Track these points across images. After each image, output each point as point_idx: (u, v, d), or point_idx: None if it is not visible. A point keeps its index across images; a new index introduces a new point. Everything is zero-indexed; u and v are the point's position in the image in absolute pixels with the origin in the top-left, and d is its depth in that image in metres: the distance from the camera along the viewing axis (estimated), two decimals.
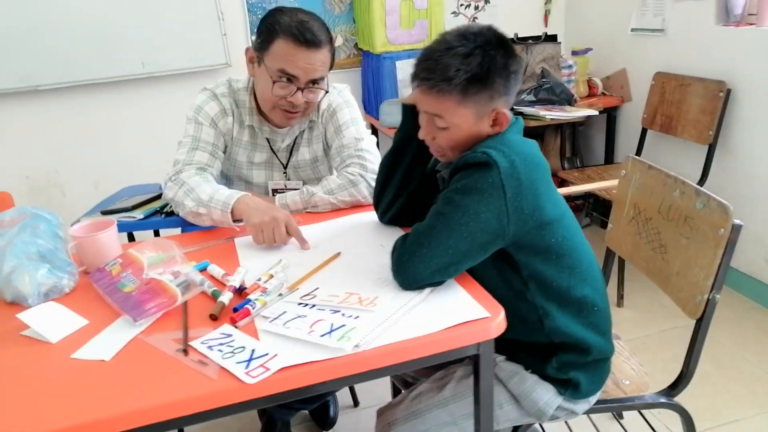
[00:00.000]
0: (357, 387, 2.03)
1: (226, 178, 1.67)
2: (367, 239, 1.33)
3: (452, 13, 3.34)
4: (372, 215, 1.43)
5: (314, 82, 1.46)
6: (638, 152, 2.91)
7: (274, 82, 1.43)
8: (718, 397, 1.95)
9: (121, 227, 1.45)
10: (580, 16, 3.44)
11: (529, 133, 1.17)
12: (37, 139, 2.92)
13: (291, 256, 1.26)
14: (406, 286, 1.07)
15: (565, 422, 1.53)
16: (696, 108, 2.57)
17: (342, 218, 1.47)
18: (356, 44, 3.26)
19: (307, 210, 1.51)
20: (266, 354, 0.91)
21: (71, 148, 2.98)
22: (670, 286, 1.31)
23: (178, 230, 1.60)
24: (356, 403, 2.03)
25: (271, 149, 1.61)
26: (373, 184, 1.44)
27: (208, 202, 1.39)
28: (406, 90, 2.98)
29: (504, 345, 1.12)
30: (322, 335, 0.94)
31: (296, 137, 1.61)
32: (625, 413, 1.82)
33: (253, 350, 0.93)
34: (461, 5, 3.36)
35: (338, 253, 1.25)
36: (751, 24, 2.40)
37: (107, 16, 2.78)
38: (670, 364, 2.03)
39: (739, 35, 2.40)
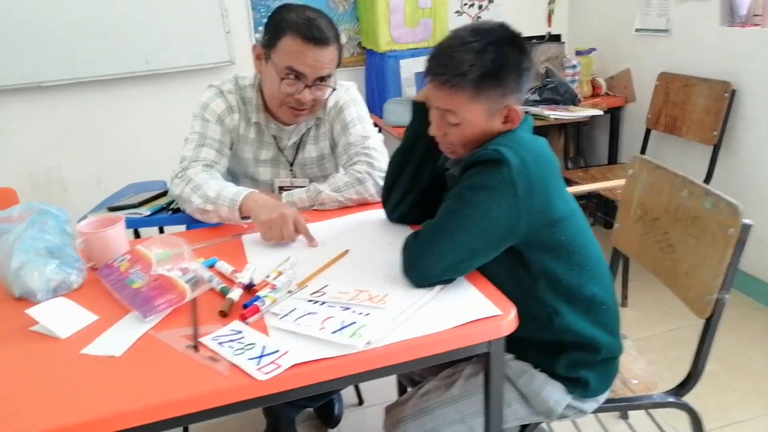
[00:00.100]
0: (362, 385, 2.02)
1: (233, 176, 1.66)
2: (374, 237, 1.33)
3: (456, 12, 3.34)
4: (379, 213, 1.42)
5: (321, 79, 1.46)
6: (642, 152, 2.91)
7: (281, 79, 1.43)
8: (724, 397, 1.95)
9: (128, 223, 1.44)
10: (584, 16, 3.44)
11: (533, 132, 1.16)
12: (40, 136, 2.92)
13: (299, 254, 1.25)
14: (417, 283, 1.07)
15: (572, 421, 1.53)
16: (700, 108, 2.57)
17: (349, 216, 1.46)
18: (360, 43, 3.25)
19: (314, 207, 1.51)
20: (277, 351, 0.91)
21: (74, 145, 2.98)
22: (678, 286, 1.31)
23: (183, 227, 1.59)
24: (361, 401, 2.02)
25: (278, 146, 1.61)
26: (381, 182, 1.44)
27: (216, 199, 1.39)
28: (409, 89, 2.98)
29: (513, 343, 1.11)
30: (334, 332, 0.94)
31: (303, 135, 1.61)
32: (630, 413, 1.82)
33: (264, 347, 0.92)
34: (465, 4, 3.36)
35: (346, 251, 1.25)
36: (756, 25, 2.40)
37: (111, 13, 2.78)
38: (675, 364, 2.03)
39: (743, 36, 2.40)
